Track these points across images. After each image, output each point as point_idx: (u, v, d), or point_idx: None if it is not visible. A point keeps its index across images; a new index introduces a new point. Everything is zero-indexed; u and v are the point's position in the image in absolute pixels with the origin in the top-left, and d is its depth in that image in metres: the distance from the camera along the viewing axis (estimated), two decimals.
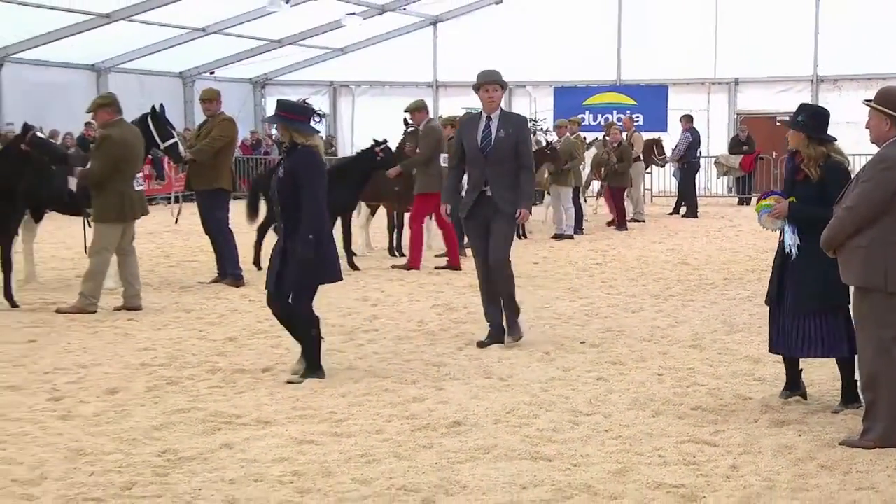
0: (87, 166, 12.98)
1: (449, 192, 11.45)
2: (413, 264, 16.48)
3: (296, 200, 8.99)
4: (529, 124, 34.69)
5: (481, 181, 10.60)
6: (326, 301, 13.45)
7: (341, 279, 9.50)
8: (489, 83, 10.62)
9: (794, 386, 8.44)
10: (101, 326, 11.78)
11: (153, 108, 14.23)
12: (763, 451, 7.13)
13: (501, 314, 10.76)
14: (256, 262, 15.70)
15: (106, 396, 8.66)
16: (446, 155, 16.32)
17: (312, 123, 9.32)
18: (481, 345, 10.57)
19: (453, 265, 16.42)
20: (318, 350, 9.21)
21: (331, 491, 6.33)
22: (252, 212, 16.50)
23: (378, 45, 38.05)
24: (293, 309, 9.21)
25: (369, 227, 19.22)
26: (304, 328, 9.20)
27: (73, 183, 14.08)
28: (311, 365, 9.18)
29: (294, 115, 9.21)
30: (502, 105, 10.83)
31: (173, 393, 8.80)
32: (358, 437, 7.46)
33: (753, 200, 8.14)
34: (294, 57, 37.87)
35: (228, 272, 14.74)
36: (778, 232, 8.20)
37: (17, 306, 12.73)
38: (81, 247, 14.75)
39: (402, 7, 35.63)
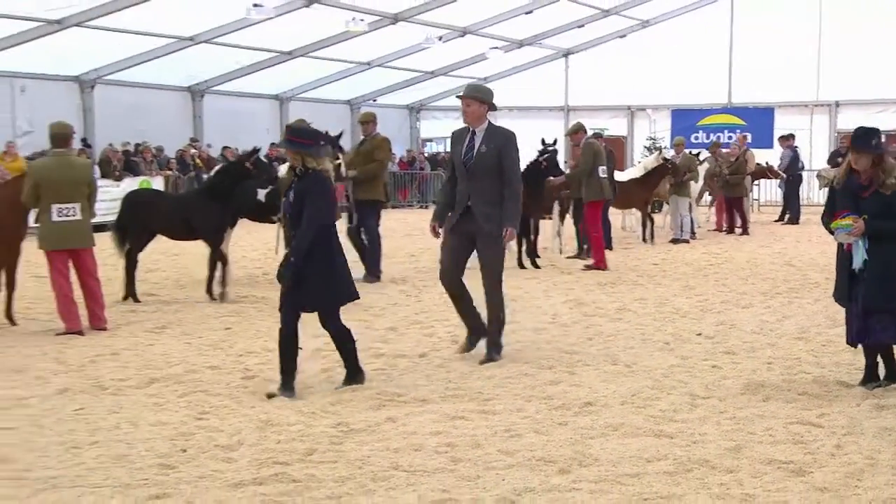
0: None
1: (438, 207, 9.72)
2: (598, 265, 16.20)
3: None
4: (647, 142, 34.06)
5: (466, 196, 9.24)
6: (472, 296, 13.52)
7: (357, 297, 8.41)
8: (464, 97, 9.27)
9: (872, 377, 8.19)
10: None
11: (326, 132, 14.48)
12: (865, 432, 6.91)
13: (476, 318, 9.60)
14: None
15: None
16: (604, 167, 16.34)
17: (321, 146, 8.34)
18: (464, 350, 9.58)
19: (598, 266, 16.23)
20: (355, 358, 8.47)
21: (479, 460, 6.33)
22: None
23: (516, 74, 38.07)
24: (329, 330, 8.34)
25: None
26: (342, 344, 8.38)
27: (261, 194, 14.45)
28: (352, 371, 8.47)
29: (303, 139, 8.11)
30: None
31: (344, 373, 8.90)
32: (502, 415, 7.45)
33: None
34: (444, 85, 38.07)
35: (370, 272, 14.80)
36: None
37: (215, 299, 13.04)
38: (268, 248, 14.97)
39: (538, 41, 35.58)
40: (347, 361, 8.43)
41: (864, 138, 7.87)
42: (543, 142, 16.94)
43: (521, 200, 9.36)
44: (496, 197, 9.12)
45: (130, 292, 13.07)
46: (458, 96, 9.34)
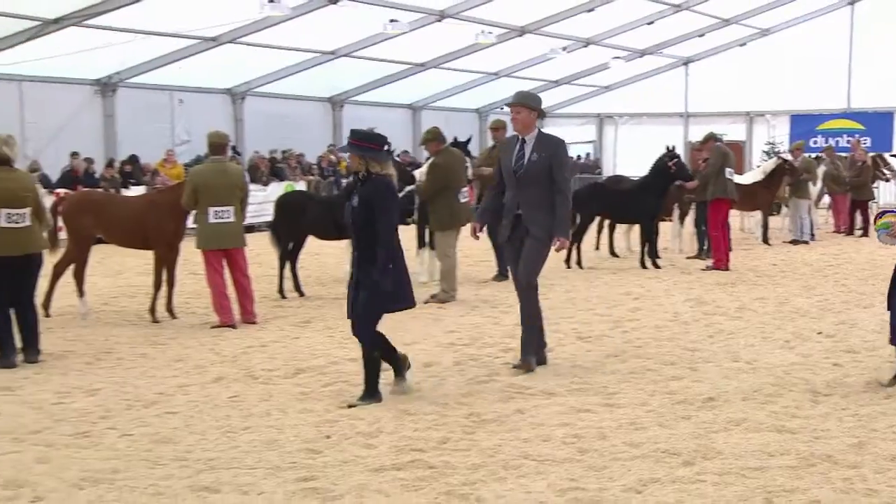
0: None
1: (482, 211, 9.38)
2: (718, 265, 15.89)
3: (371, 230, 7.44)
4: (766, 147, 33.12)
5: (515, 204, 8.66)
6: (597, 294, 13.44)
7: (413, 305, 7.78)
8: (512, 104, 8.70)
9: None
10: (418, 312, 12.03)
11: (455, 139, 14.61)
12: None
13: (540, 335, 8.91)
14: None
15: (423, 368, 8.83)
16: (731, 169, 16.08)
17: (384, 151, 7.67)
18: (517, 367, 8.66)
19: (718, 266, 15.93)
20: (376, 375, 7.62)
21: (606, 451, 6.27)
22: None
23: (637, 82, 37.65)
24: (355, 331, 7.70)
25: (630, 234, 18.99)
26: (367, 350, 7.61)
27: None
28: (369, 389, 7.59)
29: (368, 143, 7.60)
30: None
31: (475, 367, 8.93)
32: (626, 408, 7.37)
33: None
34: (567, 94, 37.91)
35: (503, 270, 14.84)
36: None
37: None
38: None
39: (659, 51, 35.11)
40: (366, 375, 7.60)
41: None
42: (668, 148, 16.69)
43: (570, 208, 8.88)
44: (546, 204, 8.55)
45: (295, 286, 13.44)
46: (506, 104, 8.79)
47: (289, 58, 27.17)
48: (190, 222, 11.77)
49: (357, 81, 30.70)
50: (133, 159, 24.87)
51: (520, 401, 7.64)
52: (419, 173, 14.82)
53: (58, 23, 20.87)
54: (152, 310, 11.55)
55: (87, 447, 6.42)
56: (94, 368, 9.00)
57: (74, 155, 23.06)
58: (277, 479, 5.77)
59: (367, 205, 7.40)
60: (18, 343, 9.24)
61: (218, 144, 11.35)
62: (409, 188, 14.36)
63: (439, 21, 26.44)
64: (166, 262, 11.56)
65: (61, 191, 19.10)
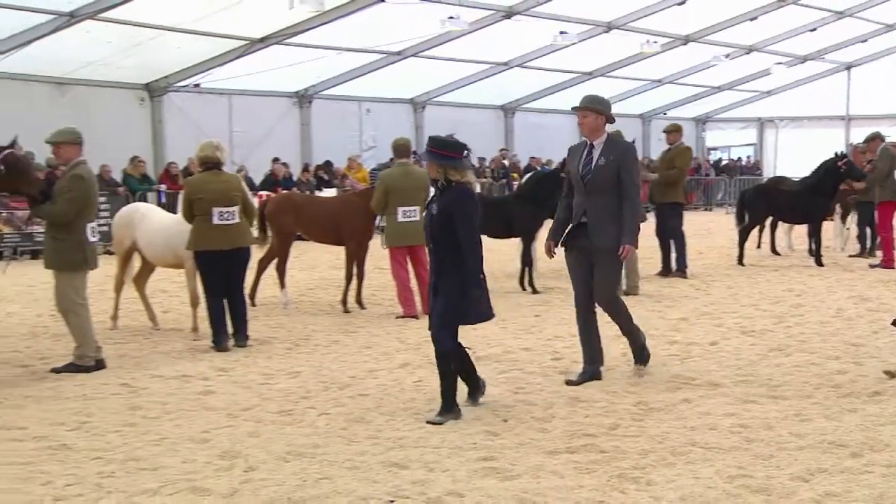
0: None
1: (555, 225, 8.04)
2: (887, 263, 15.15)
3: (450, 239, 6.69)
4: None
5: (581, 211, 7.72)
6: (759, 290, 13.02)
7: (492, 317, 6.95)
8: (579, 108, 7.78)
9: None
10: None
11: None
12: None
13: (596, 349, 7.92)
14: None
15: None
16: None
17: (464, 159, 6.87)
18: (570, 383, 7.69)
19: (887, 265, 15.20)
20: (453, 389, 6.80)
21: (772, 441, 6.07)
22: (740, 220, 16.51)
23: (798, 87, 36.28)
24: (433, 341, 6.88)
25: (791, 232, 18.34)
26: (443, 363, 6.81)
27: None
28: (446, 404, 6.76)
29: (447, 151, 6.79)
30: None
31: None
32: (791, 400, 7.10)
33: None
34: (728, 99, 36.91)
35: (678, 267, 14.54)
36: None
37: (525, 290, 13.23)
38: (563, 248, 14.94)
39: (821, 56, 33.75)
40: (442, 389, 6.78)
41: None
42: (836, 154, 15.99)
43: (638, 214, 7.87)
44: (613, 212, 7.63)
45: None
46: (574, 108, 7.91)
47: (465, 69, 27.46)
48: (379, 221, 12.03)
49: (528, 90, 30.75)
50: (327, 164, 25.62)
51: (686, 391, 7.47)
52: None
53: (263, 41, 21.73)
54: (344, 301, 11.86)
55: (291, 424, 6.64)
56: (294, 353, 9.30)
57: (275, 160, 23.92)
58: (460, 458, 5.83)
59: (447, 214, 6.70)
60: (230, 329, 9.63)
61: (403, 148, 11.56)
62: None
63: (606, 32, 26.21)
64: (357, 258, 11.85)
65: (263, 193, 19.85)
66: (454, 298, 6.69)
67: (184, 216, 9.62)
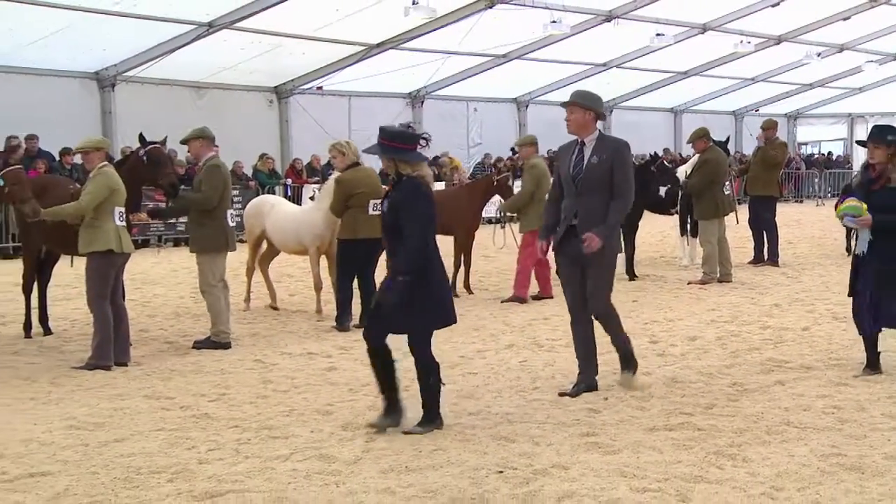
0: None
1: (544, 229, 7.01)
2: None
3: (401, 237, 5.79)
4: None
5: (572, 213, 6.72)
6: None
7: (454, 322, 6.05)
8: (566, 104, 6.81)
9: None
10: (679, 292, 11.80)
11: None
12: None
13: (592, 360, 6.98)
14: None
15: (688, 342, 8.64)
16: None
17: (419, 150, 5.86)
18: (564, 395, 6.74)
19: None
20: (436, 399, 5.96)
21: (865, 422, 5.89)
22: None
23: (889, 84, 34.84)
24: (415, 358, 5.95)
25: None
26: (425, 376, 5.94)
27: (662, 191, 14.20)
28: (429, 415, 5.94)
29: (397, 143, 5.82)
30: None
31: (736, 341, 8.60)
32: (884, 384, 6.85)
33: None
34: (819, 96, 35.73)
35: (770, 257, 14.16)
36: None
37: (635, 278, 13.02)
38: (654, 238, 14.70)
39: None
40: (426, 401, 5.93)
41: (879, 133, 6.92)
42: None
43: (625, 214, 6.87)
44: (606, 213, 6.65)
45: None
46: (561, 104, 6.97)
47: (566, 70, 27.21)
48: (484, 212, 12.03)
49: (625, 89, 30.26)
50: (434, 159, 25.75)
51: (779, 373, 7.29)
52: (683, 169, 14.43)
53: (379, 46, 21.98)
54: (452, 286, 11.86)
55: (408, 398, 6.68)
56: None
57: None
58: (564, 433, 5.80)
59: (396, 211, 5.78)
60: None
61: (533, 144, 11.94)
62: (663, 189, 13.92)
63: (701, 34, 25.64)
64: (464, 247, 11.88)
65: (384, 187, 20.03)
66: (416, 305, 5.75)
67: (334, 209, 9.61)
